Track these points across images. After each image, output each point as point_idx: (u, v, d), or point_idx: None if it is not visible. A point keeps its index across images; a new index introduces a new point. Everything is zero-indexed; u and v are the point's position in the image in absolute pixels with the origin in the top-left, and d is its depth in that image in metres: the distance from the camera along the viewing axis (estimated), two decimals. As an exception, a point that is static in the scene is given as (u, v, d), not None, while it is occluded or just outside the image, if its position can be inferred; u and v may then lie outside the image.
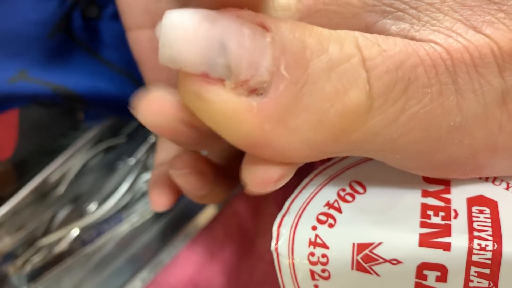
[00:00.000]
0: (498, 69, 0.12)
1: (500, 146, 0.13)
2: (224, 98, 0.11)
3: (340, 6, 0.12)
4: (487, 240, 0.13)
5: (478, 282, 0.13)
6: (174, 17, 0.10)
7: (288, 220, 0.14)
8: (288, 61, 0.11)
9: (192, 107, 0.11)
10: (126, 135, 0.36)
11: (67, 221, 0.33)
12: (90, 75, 0.29)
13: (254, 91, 0.11)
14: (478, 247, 0.13)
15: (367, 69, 0.11)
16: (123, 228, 0.33)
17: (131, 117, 0.32)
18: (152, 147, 0.35)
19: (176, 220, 0.32)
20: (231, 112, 0.11)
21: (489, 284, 0.13)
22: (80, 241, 0.33)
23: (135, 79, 0.30)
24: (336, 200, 0.15)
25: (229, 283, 0.24)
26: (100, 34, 0.30)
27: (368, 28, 0.13)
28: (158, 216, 0.33)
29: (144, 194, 0.34)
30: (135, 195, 0.34)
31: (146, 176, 0.34)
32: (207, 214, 0.31)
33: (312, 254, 0.14)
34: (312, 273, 0.14)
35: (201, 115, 0.11)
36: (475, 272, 0.13)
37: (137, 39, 0.19)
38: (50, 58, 0.27)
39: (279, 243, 0.14)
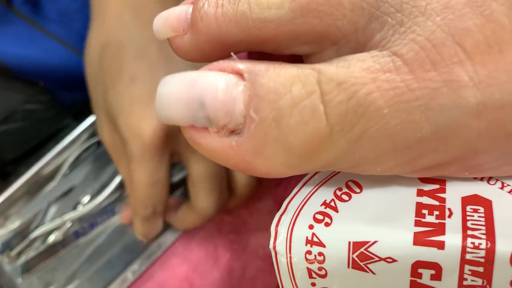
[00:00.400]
0: (472, 82, 0.12)
1: (481, 150, 0.13)
2: (210, 141, 0.13)
3: (332, 7, 0.13)
4: (480, 238, 0.13)
5: (472, 280, 0.13)
6: (163, 85, 0.13)
7: (286, 219, 0.15)
8: (256, 105, 0.13)
9: (194, 148, 0.14)
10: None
11: (61, 213, 0.33)
12: (32, 46, 0.31)
13: (233, 132, 0.13)
14: (471, 245, 0.13)
15: (324, 103, 0.13)
16: (116, 219, 0.33)
17: (75, 91, 0.33)
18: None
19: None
20: (218, 151, 0.13)
21: (483, 282, 0.13)
22: (74, 233, 0.33)
23: (80, 52, 0.31)
24: (332, 199, 0.15)
25: (222, 280, 0.24)
26: (43, 8, 0.31)
27: (357, 33, 0.13)
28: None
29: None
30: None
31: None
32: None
33: (309, 252, 0.14)
34: (309, 271, 0.14)
35: (201, 153, 0.14)
36: (469, 270, 0.13)
37: None
38: None
39: (277, 242, 0.14)
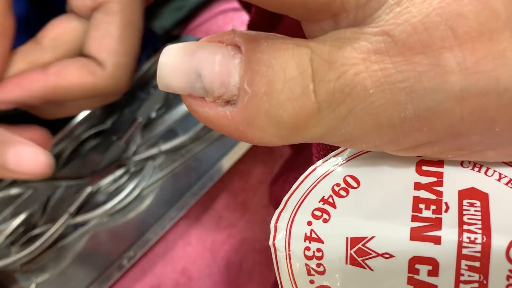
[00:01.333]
0: (459, 67, 0.12)
1: (463, 134, 0.13)
2: (206, 110, 0.14)
3: None
4: (476, 233, 0.13)
5: (469, 275, 0.13)
6: (164, 55, 0.14)
7: (285, 215, 0.15)
8: (250, 79, 0.13)
9: (192, 114, 0.15)
10: (114, 120, 0.36)
11: (61, 204, 0.33)
12: None
13: (229, 102, 0.14)
14: (467, 240, 0.13)
15: (314, 81, 0.13)
16: (110, 208, 0.33)
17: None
18: (139, 129, 0.35)
19: (162, 201, 0.32)
20: (213, 119, 0.14)
21: (480, 277, 0.13)
22: (72, 225, 0.33)
23: None
24: (330, 195, 0.15)
25: (220, 273, 0.25)
26: None
27: (358, 10, 0.13)
28: (144, 198, 0.33)
29: (133, 175, 0.34)
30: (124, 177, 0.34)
31: (136, 158, 0.34)
32: (193, 195, 0.31)
33: (307, 248, 0.14)
34: (308, 268, 0.14)
35: (200, 121, 0.15)
36: (466, 265, 0.13)
37: None
38: None
39: (276, 239, 0.14)
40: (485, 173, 0.15)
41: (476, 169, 0.15)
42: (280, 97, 0.13)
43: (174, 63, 0.14)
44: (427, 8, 0.12)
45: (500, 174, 0.15)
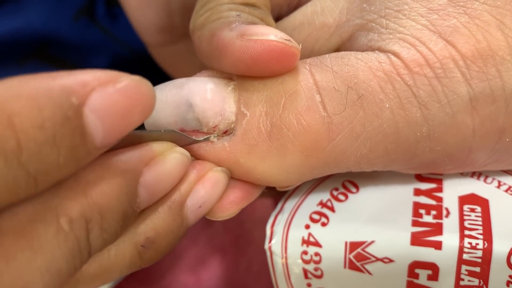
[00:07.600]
0: (464, 77, 0.12)
1: (475, 148, 0.13)
2: (202, 145, 0.13)
3: (318, 31, 0.14)
4: (477, 238, 0.13)
5: (469, 280, 0.13)
6: None
7: (282, 219, 0.14)
8: (246, 100, 0.13)
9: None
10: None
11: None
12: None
13: (226, 133, 0.13)
14: (469, 245, 0.13)
15: (319, 91, 0.12)
16: None
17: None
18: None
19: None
20: (210, 155, 0.13)
21: (480, 282, 0.13)
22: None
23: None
24: (329, 199, 0.15)
25: (229, 273, 0.24)
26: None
27: (344, 43, 0.14)
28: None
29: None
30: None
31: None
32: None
33: (305, 252, 0.14)
34: (305, 271, 0.14)
35: (196, 158, 0.13)
36: (466, 270, 0.13)
37: (160, 56, 0.21)
38: None
39: (272, 242, 0.14)
40: (484, 180, 0.15)
41: (475, 176, 0.15)
42: (282, 114, 0.12)
43: (161, 97, 0.13)
44: (416, 26, 0.13)
45: (499, 181, 0.15)
